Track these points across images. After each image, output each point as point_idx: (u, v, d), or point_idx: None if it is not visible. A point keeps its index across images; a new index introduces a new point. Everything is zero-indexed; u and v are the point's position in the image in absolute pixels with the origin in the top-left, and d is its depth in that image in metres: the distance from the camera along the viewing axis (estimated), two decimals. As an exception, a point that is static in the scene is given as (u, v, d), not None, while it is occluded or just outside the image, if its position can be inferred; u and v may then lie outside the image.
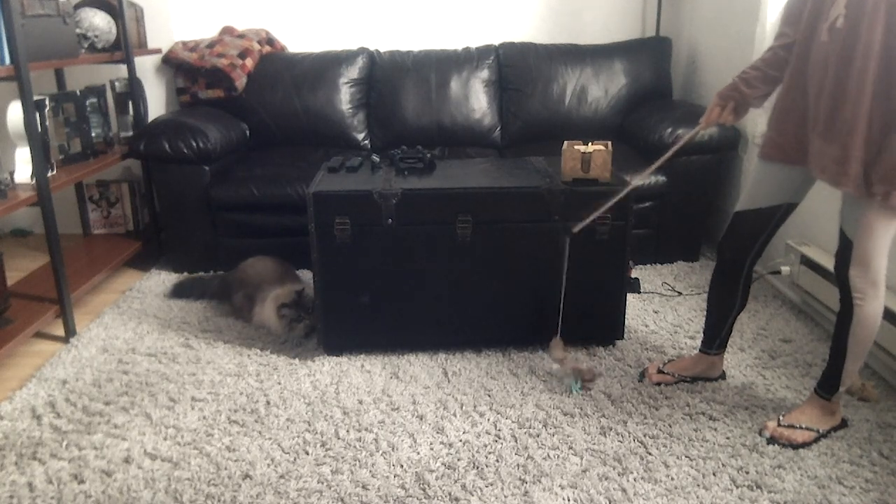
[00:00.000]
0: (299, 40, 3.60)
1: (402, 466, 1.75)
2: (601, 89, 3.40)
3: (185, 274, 3.05)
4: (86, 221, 3.36)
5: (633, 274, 2.89)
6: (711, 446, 1.81)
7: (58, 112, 2.71)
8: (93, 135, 2.96)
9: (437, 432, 1.89)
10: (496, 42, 3.56)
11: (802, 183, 1.80)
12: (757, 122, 2.82)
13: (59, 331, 2.50)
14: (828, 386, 1.82)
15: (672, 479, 1.69)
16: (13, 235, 3.69)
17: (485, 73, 3.44)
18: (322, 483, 1.69)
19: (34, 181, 2.35)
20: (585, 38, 3.61)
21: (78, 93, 2.85)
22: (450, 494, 1.65)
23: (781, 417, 1.86)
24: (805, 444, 1.80)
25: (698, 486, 1.67)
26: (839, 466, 1.73)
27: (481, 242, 2.19)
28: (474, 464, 1.75)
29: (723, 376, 2.13)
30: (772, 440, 1.82)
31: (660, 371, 2.12)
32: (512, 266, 2.22)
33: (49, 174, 2.57)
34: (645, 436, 1.86)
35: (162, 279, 2.99)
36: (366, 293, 2.22)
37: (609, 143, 2.19)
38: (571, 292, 2.20)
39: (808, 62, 1.65)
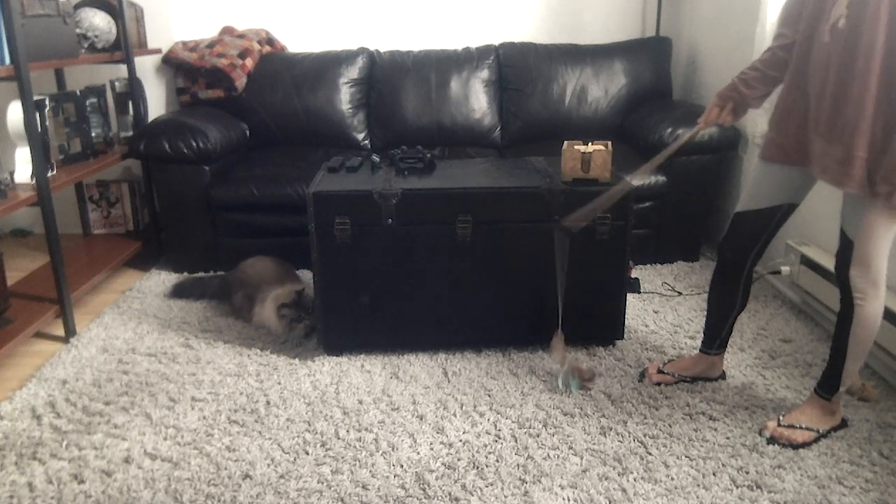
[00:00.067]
0: (299, 40, 3.60)
1: (402, 466, 1.75)
2: (601, 89, 3.40)
3: (185, 274, 3.05)
4: (86, 221, 3.36)
5: (633, 274, 2.89)
6: (711, 446, 1.81)
7: (58, 112, 2.71)
8: (93, 135, 2.96)
9: (437, 432, 1.89)
10: (496, 42, 3.56)
11: (803, 183, 1.80)
12: (757, 122, 2.82)
13: (59, 331, 2.50)
14: (828, 386, 1.82)
15: (672, 479, 1.69)
16: (13, 235, 3.69)
17: (485, 73, 3.44)
18: (322, 483, 1.69)
19: (34, 181, 2.35)
20: (585, 38, 3.61)
21: (78, 93, 2.85)
22: (450, 494, 1.65)
23: (781, 417, 1.86)
24: (805, 444, 1.80)
25: (698, 486, 1.67)
26: (839, 466, 1.73)
27: (481, 242, 2.19)
28: (474, 464, 1.75)
29: (723, 376, 2.13)
30: (772, 440, 1.82)
31: (660, 371, 2.12)
32: (512, 266, 2.22)
33: (49, 174, 2.57)
34: (645, 436, 1.86)
35: (162, 279, 2.99)
36: (366, 293, 2.22)
37: (609, 143, 2.19)
38: (571, 292, 2.20)
39: (808, 63, 1.65)
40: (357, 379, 2.17)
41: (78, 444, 1.86)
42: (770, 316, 2.55)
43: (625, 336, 2.36)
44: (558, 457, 1.78)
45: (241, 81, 3.30)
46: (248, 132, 3.34)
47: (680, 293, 2.77)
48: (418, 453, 1.80)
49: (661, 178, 2.90)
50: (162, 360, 2.30)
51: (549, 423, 1.92)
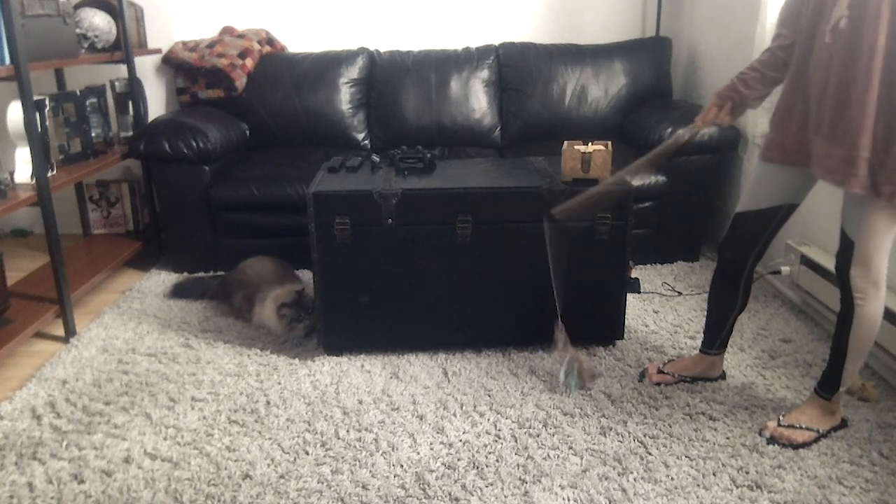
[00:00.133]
0: (299, 40, 3.60)
1: (402, 466, 1.75)
2: (601, 89, 3.40)
3: (185, 274, 3.05)
4: (86, 221, 3.36)
5: (633, 274, 2.89)
6: (711, 446, 1.81)
7: (58, 112, 2.71)
8: (93, 135, 2.96)
9: (437, 432, 1.89)
10: (496, 42, 3.56)
11: (803, 184, 1.80)
12: (757, 122, 2.83)
13: (59, 331, 2.50)
14: (828, 386, 1.82)
15: (672, 479, 1.69)
16: (13, 235, 3.69)
17: (485, 73, 3.44)
18: (322, 483, 1.69)
19: (34, 181, 2.35)
20: (585, 38, 3.61)
21: (78, 93, 2.85)
22: (450, 494, 1.65)
23: (781, 417, 1.86)
24: (805, 444, 1.80)
25: (698, 486, 1.67)
26: (839, 466, 1.73)
27: (481, 242, 2.19)
28: (474, 464, 1.75)
29: (723, 376, 2.13)
30: (772, 440, 1.82)
31: (660, 371, 2.12)
32: (512, 266, 2.22)
33: (49, 174, 2.57)
34: (645, 436, 1.86)
35: (162, 279, 2.99)
36: (366, 293, 2.22)
37: (609, 143, 2.19)
38: (571, 292, 2.20)
39: (809, 63, 1.65)
40: (357, 379, 2.17)
41: (78, 444, 1.86)
42: (770, 316, 2.55)
43: (625, 336, 2.36)
44: (558, 457, 1.78)
45: (241, 81, 3.30)
46: (248, 132, 3.34)
47: (680, 293, 2.77)
48: (418, 453, 1.80)
49: (661, 178, 2.90)
50: (162, 360, 2.30)
51: (549, 423, 1.92)
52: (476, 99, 3.41)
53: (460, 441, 1.85)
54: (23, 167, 2.53)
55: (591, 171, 2.18)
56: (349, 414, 1.98)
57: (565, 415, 1.96)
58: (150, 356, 2.33)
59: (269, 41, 3.51)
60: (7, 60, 2.24)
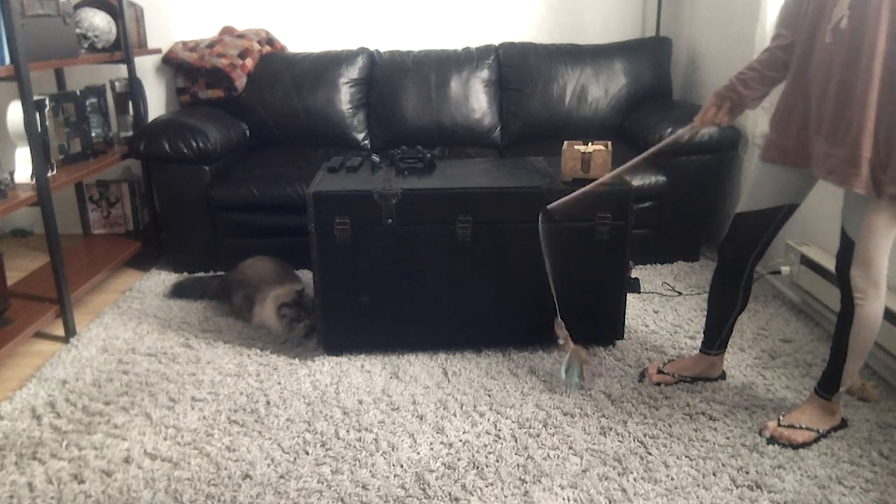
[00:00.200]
0: (299, 40, 3.60)
1: (402, 466, 1.75)
2: (601, 89, 3.40)
3: (185, 274, 3.05)
4: (86, 221, 3.36)
5: (633, 274, 2.89)
6: (711, 446, 1.81)
7: (58, 112, 2.71)
8: (93, 135, 2.96)
9: (437, 432, 1.89)
10: (496, 42, 3.56)
11: (804, 184, 1.80)
12: (757, 122, 2.83)
13: (59, 331, 2.50)
14: (828, 386, 1.82)
15: (672, 479, 1.69)
16: (13, 235, 3.69)
17: (485, 73, 3.44)
18: (322, 483, 1.69)
19: (34, 181, 2.35)
20: (585, 38, 3.61)
21: (78, 93, 2.85)
22: (450, 494, 1.65)
23: (781, 417, 1.86)
24: (805, 444, 1.80)
25: (698, 486, 1.67)
26: (839, 466, 1.73)
27: (481, 242, 2.19)
28: (474, 464, 1.75)
29: (723, 376, 2.13)
30: (772, 440, 1.82)
31: (660, 371, 2.12)
32: (512, 266, 2.22)
33: (49, 174, 2.57)
34: (645, 436, 1.86)
35: (162, 279, 2.99)
36: (366, 293, 2.22)
37: (609, 143, 2.19)
38: (571, 292, 2.20)
39: (810, 64, 1.64)
40: (357, 379, 2.17)
41: (78, 444, 1.86)
42: (770, 316, 2.55)
43: (625, 336, 2.36)
44: (558, 457, 1.78)
45: (241, 81, 3.30)
46: (248, 132, 3.34)
47: (680, 293, 2.77)
48: (418, 453, 1.80)
49: (661, 178, 2.90)
50: (162, 360, 2.30)
51: (549, 423, 1.92)
52: (476, 99, 3.41)
53: (460, 441, 1.85)
54: (23, 167, 2.53)
55: (591, 171, 2.18)
56: (349, 414, 1.98)
57: (565, 415, 1.96)
58: (150, 356, 2.33)
59: (269, 41, 3.51)
60: (7, 60, 2.24)
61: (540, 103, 3.39)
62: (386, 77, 3.43)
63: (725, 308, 2.00)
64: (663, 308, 2.63)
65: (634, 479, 1.69)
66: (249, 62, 3.33)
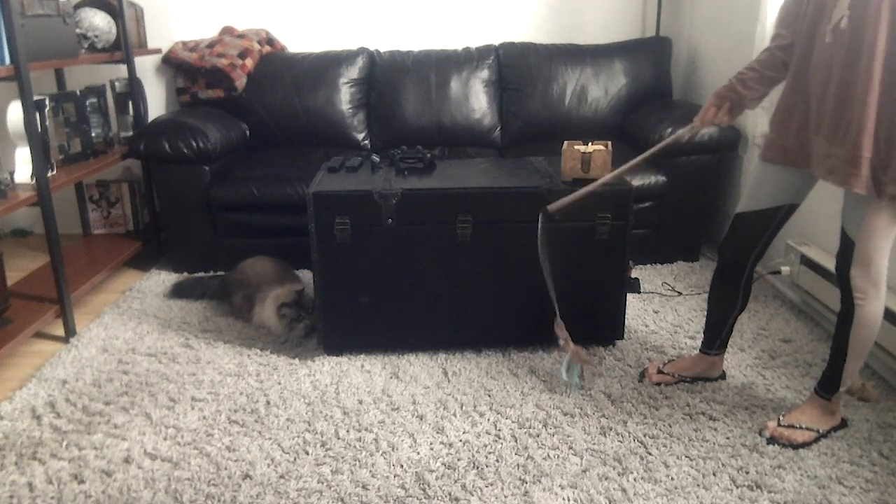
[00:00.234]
0: (299, 40, 3.60)
1: (402, 466, 1.75)
2: (601, 89, 3.40)
3: (185, 274, 3.05)
4: (86, 221, 3.36)
5: (633, 274, 2.89)
6: (711, 446, 1.81)
7: (58, 112, 2.71)
8: (93, 135, 2.96)
9: (437, 432, 1.89)
10: (496, 42, 3.56)
11: (804, 184, 1.80)
12: (757, 122, 2.83)
13: (59, 331, 2.50)
14: (828, 386, 1.82)
15: (672, 479, 1.69)
16: (13, 235, 3.69)
17: (485, 73, 3.44)
18: (322, 483, 1.69)
19: (34, 181, 2.35)
20: (585, 38, 3.61)
21: (78, 93, 2.85)
22: (450, 494, 1.65)
23: (781, 417, 1.86)
24: (805, 444, 1.80)
25: (698, 486, 1.67)
26: (839, 466, 1.73)
27: (481, 242, 2.19)
28: (474, 464, 1.75)
29: (723, 376, 2.13)
30: (772, 440, 1.82)
31: (660, 371, 2.12)
32: (512, 266, 2.22)
33: (49, 174, 2.56)
34: (645, 436, 1.86)
35: (162, 279, 2.99)
36: (366, 293, 2.22)
37: (609, 143, 2.19)
38: (571, 292, 2.20)
39: (810, 64, 1.64)
40: (357, 379, 2.17)
41: (78, 444, 1.86)
42: (770, 316, 2.55)
43: (625, 336, 2.36)
44: (558, 457, 1.78)
45: (241, 81, 3.30)
46: (248, 132, 3.34)
47: (680, 293, 2.77)
48: (418, 453, 1.80)
49: (661, 178, 2.90)
50: (162, 360, 2.30)
51: (549, 423, 1.92)
52: (476, 99, 3.41)
53: (460, 441, 1.85)
54: (23, 167, 2.53)
55: (591, 171, 2.17)
56: (349, 414, 1.98)
57: (565, 415, 1.96)
58: (150, 356, 2.33)
59: (269, 41, 3.51)
60: (7, 60, 2.24)
61: (540, 103, 3.39)
62: (386, 77, 3.43)
63: (725, 308, 2.00)
64: (663, 308, 2.63)
65: (634, 479, 1.69)
66: (249, 62, 3.33)
